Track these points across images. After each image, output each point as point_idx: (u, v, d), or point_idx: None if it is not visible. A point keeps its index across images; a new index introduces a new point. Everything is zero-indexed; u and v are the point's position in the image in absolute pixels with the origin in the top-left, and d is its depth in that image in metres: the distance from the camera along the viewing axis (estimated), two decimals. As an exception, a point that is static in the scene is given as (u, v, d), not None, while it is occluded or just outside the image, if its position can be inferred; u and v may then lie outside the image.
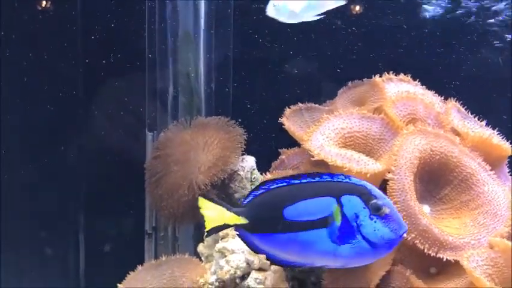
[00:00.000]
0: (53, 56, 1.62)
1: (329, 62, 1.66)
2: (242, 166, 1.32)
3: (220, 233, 1.14)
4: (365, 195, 0.82)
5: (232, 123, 1.35)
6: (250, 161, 1.34)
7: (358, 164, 0.99)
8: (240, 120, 1.37)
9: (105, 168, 1.67)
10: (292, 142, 1.25)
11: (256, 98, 1.65)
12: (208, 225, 0.89)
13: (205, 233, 0.90)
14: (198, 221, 1.36)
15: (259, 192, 0.88)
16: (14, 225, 1.66)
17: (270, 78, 1.67)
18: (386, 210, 0.81)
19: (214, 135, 1.32)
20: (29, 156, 1.68)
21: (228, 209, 0.87)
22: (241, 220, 0.87)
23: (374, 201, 0.82)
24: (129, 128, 1.63)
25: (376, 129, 1.10)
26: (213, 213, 0.89)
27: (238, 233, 0.88)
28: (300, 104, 1.27)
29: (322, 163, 1.04)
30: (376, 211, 0.81)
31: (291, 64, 1.69)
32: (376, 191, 0.83)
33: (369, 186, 0.83)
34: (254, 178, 1.34)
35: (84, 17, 1.62)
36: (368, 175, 0.97)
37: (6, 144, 1.64)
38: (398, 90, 1.18)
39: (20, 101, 1.65)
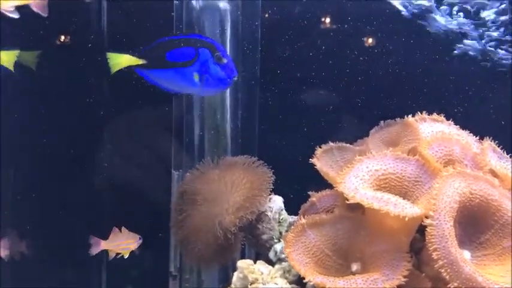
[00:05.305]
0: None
1: (356, 96, 1.65)
2: (270, 207, 1.29)
3: (250, 278, 1.10)
4: (212, 49, 1.30)
5: (260, 163, 1.32)
6: (278, 202, 1.31)
7: (396, 208, 0.96)
8: (266, 158, 1.35)
9: (129, 206, 1.65)
10: (318, 180, 1.22)
11: (283, 136, 1.64)
12: (115, 68, 1.30)
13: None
14: (225, 263, 1.34)
15: (153, 44, 1.32)
16: (36, 263, 1.63)
17: (296, 115, 1.66)
18: (224, 61, 1.29)
19: (241, 175, 1.30)
20: (55, 193, 1.67)
21: (131, 55, 1.31)
22: (141, 61, 1.32)
23: (217, 53, 1.30)
24: (154, 166, 1.62)
25: (411, 171, 1.06)
26: (119, 59, 1.30)
27: (138, 71, 1.33)
28: (331, 144, 1.24)
29: (357, 206, 1.01)
30: (218, 60, 1.30)
31: (317, 101, 1.68)
32: (221, 47, 1.31)
33: (216, 43, 1.32)
34: (282, 219, 1.30)
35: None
36: (406, 219, 0.94)
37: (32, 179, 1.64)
38: (433, 130, 1.15)
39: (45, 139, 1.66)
